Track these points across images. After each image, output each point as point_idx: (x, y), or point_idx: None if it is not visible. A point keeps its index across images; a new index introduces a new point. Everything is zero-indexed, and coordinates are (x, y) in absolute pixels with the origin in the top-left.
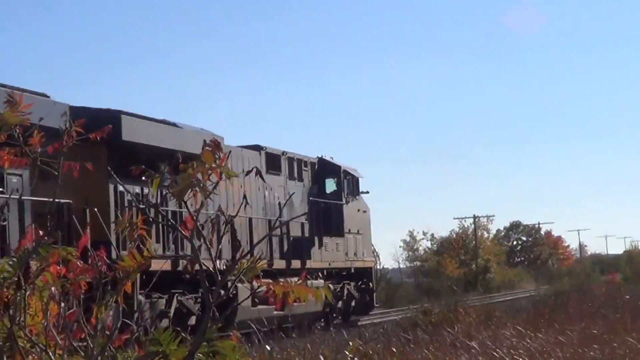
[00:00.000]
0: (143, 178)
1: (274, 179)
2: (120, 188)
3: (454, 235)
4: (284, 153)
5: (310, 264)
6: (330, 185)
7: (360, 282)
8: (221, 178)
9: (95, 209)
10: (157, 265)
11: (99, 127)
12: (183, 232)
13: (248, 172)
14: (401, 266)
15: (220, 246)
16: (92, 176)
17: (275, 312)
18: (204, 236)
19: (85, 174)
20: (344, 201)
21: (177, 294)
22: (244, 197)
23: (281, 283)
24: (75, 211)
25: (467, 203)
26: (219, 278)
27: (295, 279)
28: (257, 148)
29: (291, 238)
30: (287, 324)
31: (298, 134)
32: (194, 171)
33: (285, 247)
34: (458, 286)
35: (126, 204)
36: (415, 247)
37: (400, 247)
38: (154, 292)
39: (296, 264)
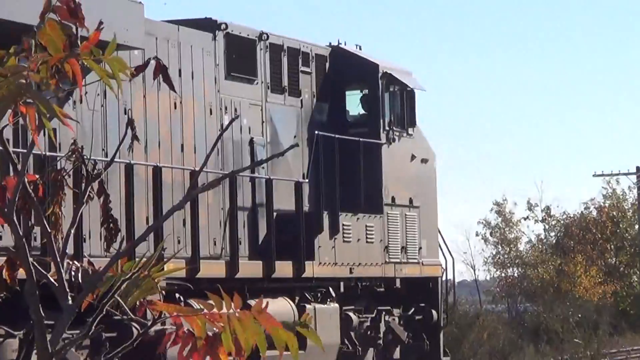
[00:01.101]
0: None
1: (242, 89)
2: None
3: (593, 212)
4: (262, 36)
5: (312, 268)
6: (356, 103)
7: (412, 310)
8: (83, 78)
9: None
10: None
11: None
12: None
13: (140, 70)
14: (479, 275)
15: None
16: None
17: None
18: (38, 208)
19: None
20: (383, 138)
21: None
22: (129, 124)
23: (203, 314)
24: None
25: (618, 149)
26: (68, 299)
27: (269, 302)
28: (210, 26)
29: (274, 215)
30: None
31: (297, 15)
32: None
33: (262, 234)
34: (601, 321)
35: None
36: (510, 237)
37: (477, 235)
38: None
39: (284, 268)
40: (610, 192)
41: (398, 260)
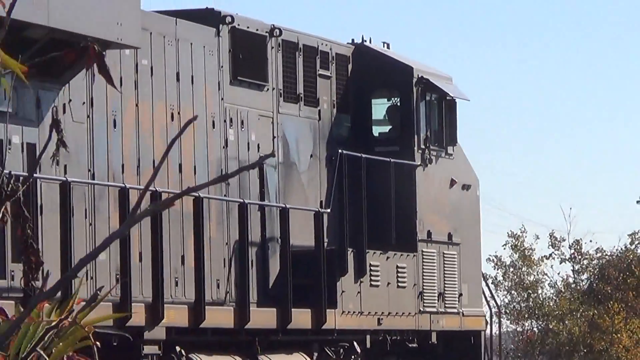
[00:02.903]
0: None
1: (250, 97)
2: None
3: (638, 249)
4: (274, 32)
5: (334, 318)
6: (382, 114)
7: None
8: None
9: None
10: None
11: None
12: None
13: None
14: (487, 329)
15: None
16: None
17: None
18: None
19: None
20: (417, 159)
21: None
22: (53, 125)
23: None
24: None
25: None
26: None
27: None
28: (213, 19)
29: (289, 252)
30: None
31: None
32: None
33: (274, 275)
34: None
35: None
36: (528, 280)
37: (489, 278)
38: None
39: (301, 318)
40: None
41: (434, 310)
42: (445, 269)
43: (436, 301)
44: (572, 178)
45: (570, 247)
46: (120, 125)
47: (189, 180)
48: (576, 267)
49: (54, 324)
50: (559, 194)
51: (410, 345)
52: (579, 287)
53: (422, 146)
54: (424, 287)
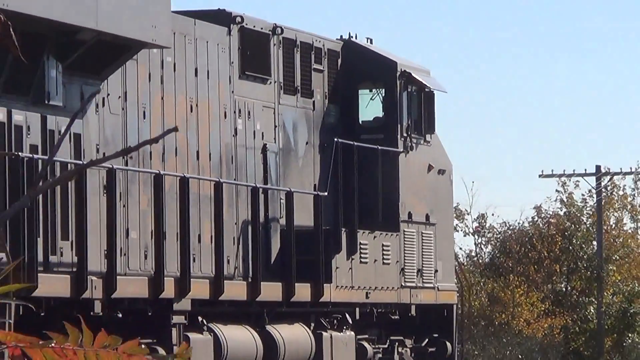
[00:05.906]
0: None
1: (255, 90)
2: None
3: (540, 223)
4: (276, 30)
5: (329, 292)
6: (367, 104)
7: (426, 341)
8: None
9: None
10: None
11: None
12: None
13: None
14: None
15: None
16: None
17: None
18: None
19: None
20: (400, 146)
21: None
22: None
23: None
24: None
25: (570, 147)
26: None
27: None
28: (225, 19)
29: (293, 231)
30: None
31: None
32: None
33: (275, 252)
34: None
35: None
36: None
37: None
38: None
39: (302, 291)
40: (566, 198)
41: (414, 285)
42: (423, 247)
43: (415, 277)
44: (474, 151)
45: (474, 221)
46: (149, 116)
47: (205, 165)
48: (479, 241)
49: None
50: (462, 167)
51: (392, 317)
52: (480, 261)
53: (405, 134)
54: (405, 264)
